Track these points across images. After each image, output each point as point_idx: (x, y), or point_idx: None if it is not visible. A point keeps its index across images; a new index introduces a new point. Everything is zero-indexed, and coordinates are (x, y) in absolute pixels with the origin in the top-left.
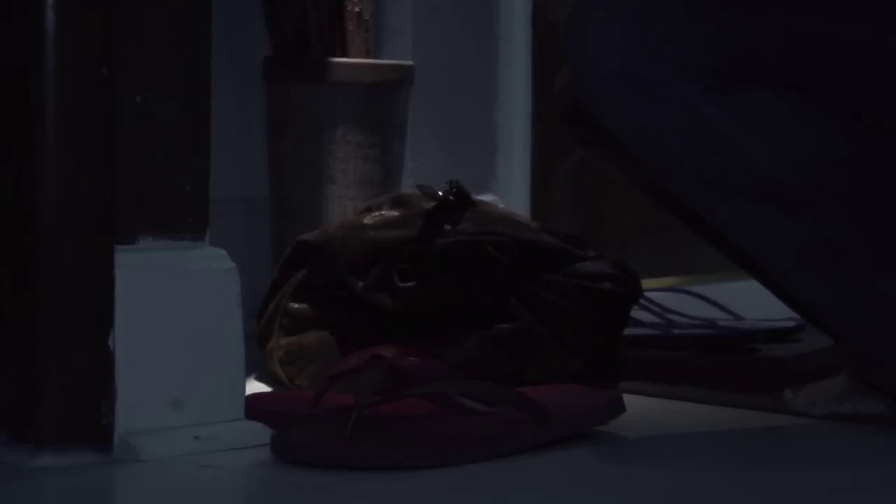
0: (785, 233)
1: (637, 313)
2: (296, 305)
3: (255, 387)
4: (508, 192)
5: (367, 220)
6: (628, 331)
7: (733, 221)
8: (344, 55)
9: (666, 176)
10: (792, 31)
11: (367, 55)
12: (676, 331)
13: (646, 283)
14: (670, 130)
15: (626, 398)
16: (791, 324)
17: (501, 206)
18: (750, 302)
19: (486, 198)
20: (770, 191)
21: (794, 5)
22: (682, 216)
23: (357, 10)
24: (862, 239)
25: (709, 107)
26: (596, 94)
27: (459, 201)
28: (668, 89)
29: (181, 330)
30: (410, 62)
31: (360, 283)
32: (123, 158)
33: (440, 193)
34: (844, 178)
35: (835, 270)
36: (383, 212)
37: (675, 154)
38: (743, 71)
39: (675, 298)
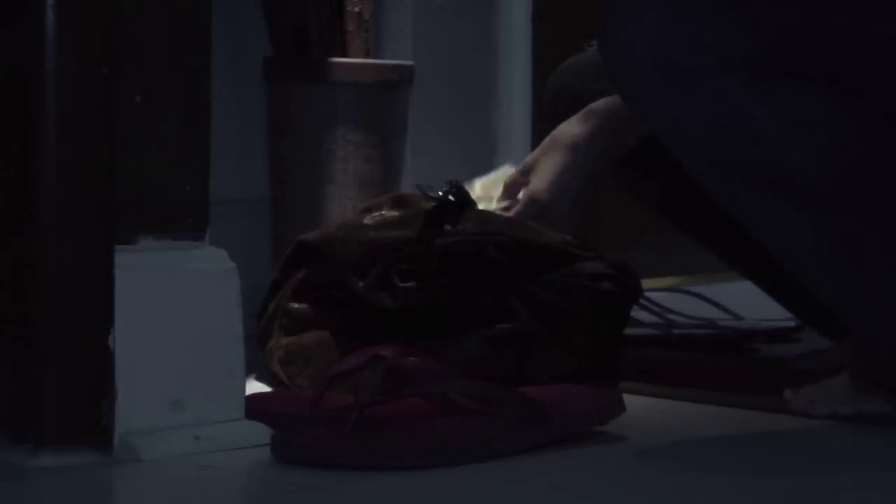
0: (808, 227)
1: (637, 313)
2: (296, 305)
3: (255, 387)
4: None
5: (367, 220)
6: (628, 331)
7: (758, 215)
8: (344, 55)
9: (695, 167)
10: (830, 25)
11: (367, 55)
12: (676, 331)
13: (646, 283)
14: (705, 121)
15: (626, 398)
16: (791, 324)
17: None
18: (750, 302)
19: None
20: (798, 185)
21: (834, 0)
22: (674, 219)
23: (357, 10)
24: (883, 237)
25: (745, 99)
26: (632, 82)
27: (459, 201)
28: (706, 80)
29: (181, 330)
30: (410, 62)
31: (360, 283)
32: (123, 158)
33: (440, 193)
34: (871, 176)
35: (854, 267)
36: (383, 212)
37: (706, 144)
38: (780, 64)
39: (675, 298)
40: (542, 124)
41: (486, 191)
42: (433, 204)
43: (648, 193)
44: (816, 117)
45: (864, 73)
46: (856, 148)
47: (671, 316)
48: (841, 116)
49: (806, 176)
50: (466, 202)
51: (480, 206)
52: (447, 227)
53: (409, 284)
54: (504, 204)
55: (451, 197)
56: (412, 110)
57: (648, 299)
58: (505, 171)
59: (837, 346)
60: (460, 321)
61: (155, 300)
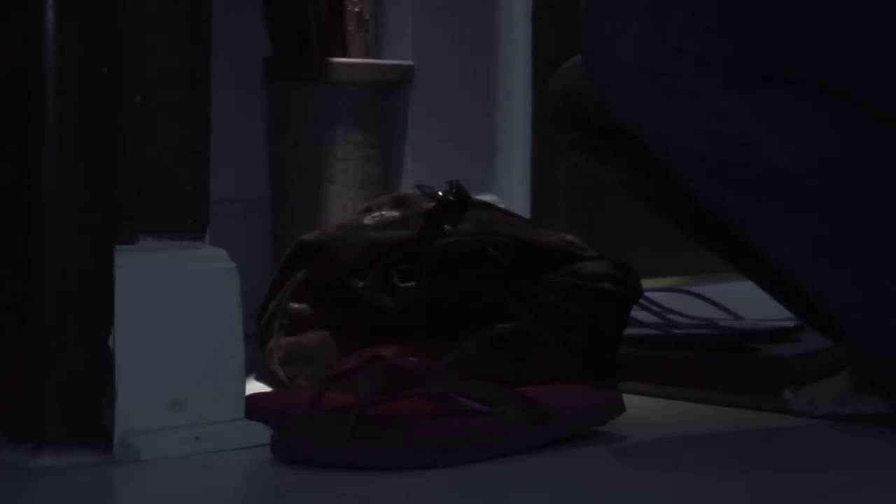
0: (797, 230)
1: (637, 313)
2: (296, 305)
3: (255, 387)
4: (508, 192)
5: (367, 220)
6: (628, 331)
7: (746, 218)
8: (344, 55)
9: (681, 172)
10: (811, 28)
11: (367, 55)
12: (676, 331)
13: (646, 283)
14: (688, 125)
15: (626, 398)
16: (791, 324)
17: (501, 206)
18: (750, 302)
19: (486, 198)
20: (784, 188)
21: (815, 2)
22: (676, 219)
23: (357, 10)
24: (873, 238)
25: (727, 102)
26: (614, 88)
27: (459, 201)
28: (687, 84)
29: (181, 330)
30: (410, 62)
31: (360, 284)
32: (123, 158)
33: (440, 193)
34: (858, 178)
35: (845, 269)
36: (383, 212)
37: (691, 149)
38: (762, 67)
39: (675, 298)
40: (543, 125)
41: None
42: (433, 204)
43: (651, 191)
44: (801, 120)
45: (847, 76)
46: (843, 150)
47: (671, 316)
48: (826, 119)
49: (793, 179)
50: (466, 202)
51: None
52: (447, 227)
53: (409, 284)
54: None
55: (450, 197)
56: (412, 110)
57: (648, 299)
58: None
59: (837, 346)
60: (460, 321)
61: (155, 300)
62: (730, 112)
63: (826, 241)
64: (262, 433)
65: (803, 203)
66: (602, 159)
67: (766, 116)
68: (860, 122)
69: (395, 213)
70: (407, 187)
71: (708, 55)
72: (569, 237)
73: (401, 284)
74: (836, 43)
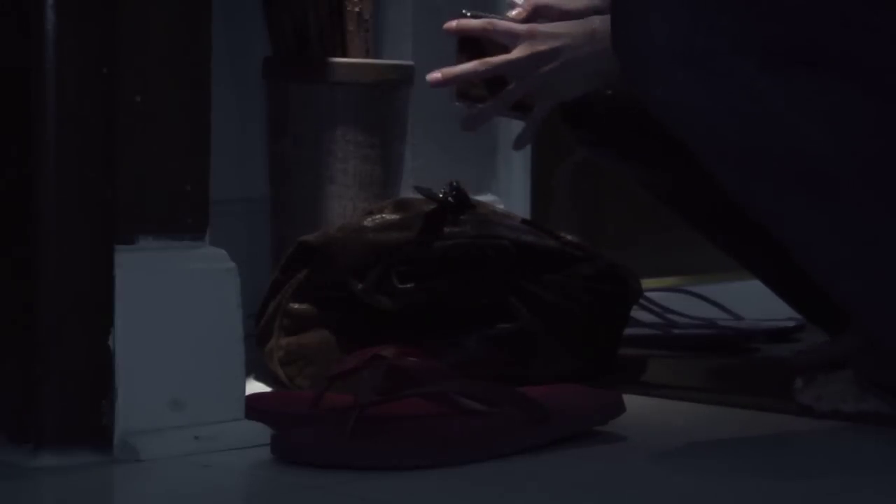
0: (823, 220)
1: (637, 313)
2: (296, 305)
3: (255, 387)
4: (508, 192)
5: (368, 222)
6: (628, 331)
7: (771, 205)
8: (344, 55)
9: (710, 159)
10: (846, 12)
11: (367, 55)
12: (676, 331)
13: (646, 283)
14: (721, 107)
15: (626, 398)
16: (791, 324)
17: (501, 206)
18: (750, 302)
19: (486, 198)
20: (815, 176)
21: None
22: (685, 214)
23: (357, 10)
24: None
25: (762, 84)
26: (648, 71)
27: (458, 203)
28: (722, 64)
29: (181, 330)
30: (410, 62)
31: (360, 285)
32: (123, 158)
33: (440, 196)
34: (888, 169)
35: (870, 261)
36: (384, 215)
37: (721, 133)
38: (797, 48)
39: (675, 298)
40: (543, 125)
41: None
42: (432, 206)
43: (659, 186)
44: (834, 105)
45: (879, 63)
46: (876, 138)
47: (671, 316)
48: (860, 105)
49: (825, 166)
50: (465, 204)
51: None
52: (447, 229)
53: (408, 286)
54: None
55: (450, 199)
56: (412, 110)
57: (648, 299)
58: None
59: (835, 341)
60: (460, 322)
61: (155, 300)
62: (763, 94)
63: (850, 230)
64: (262, 433)
65: (836, 192)
66: (610, 155)
67: (800, 99)
68: (890, 114)
69: (395, 216)
70: (407, 187)
71: (744, 36)
72: (569, 237)
73: (399, 286)
74: (870, 29)
